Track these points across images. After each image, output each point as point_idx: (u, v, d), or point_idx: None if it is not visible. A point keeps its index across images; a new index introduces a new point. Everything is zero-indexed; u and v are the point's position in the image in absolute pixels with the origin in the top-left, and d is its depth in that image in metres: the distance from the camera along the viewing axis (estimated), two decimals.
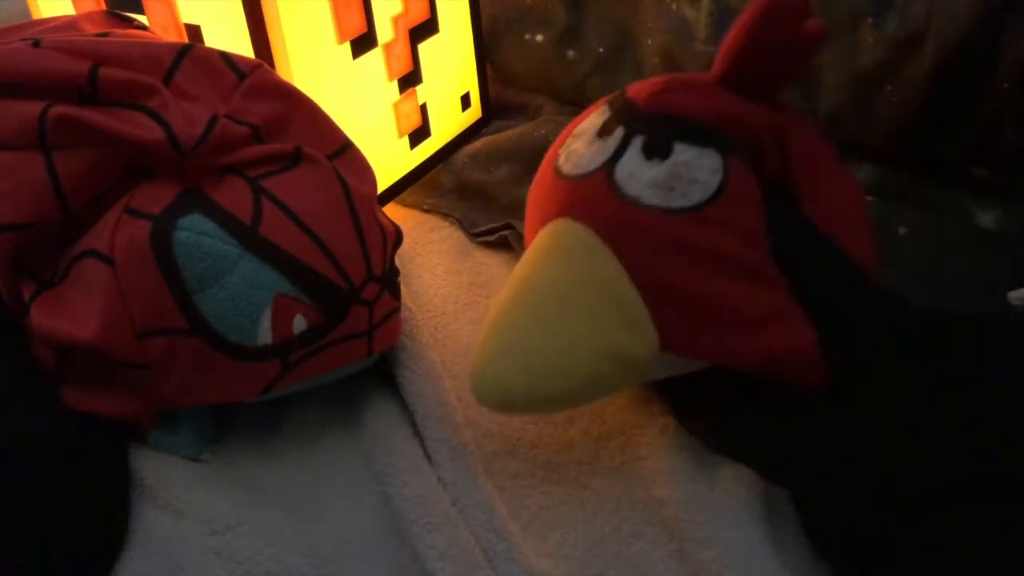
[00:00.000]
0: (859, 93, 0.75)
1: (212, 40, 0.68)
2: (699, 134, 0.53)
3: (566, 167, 0.56)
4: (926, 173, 0.77)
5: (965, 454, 0.46)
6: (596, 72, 0.91)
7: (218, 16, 0.67)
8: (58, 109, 0.51)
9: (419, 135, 0.84)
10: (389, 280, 0.59)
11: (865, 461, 0.49)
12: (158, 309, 0.52)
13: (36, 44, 0.54)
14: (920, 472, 0.47)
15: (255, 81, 0.56)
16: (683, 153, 0.53)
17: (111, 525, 0.52)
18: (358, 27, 0.73)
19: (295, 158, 0.55)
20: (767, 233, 0.53)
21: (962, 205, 0.74)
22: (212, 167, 0.53)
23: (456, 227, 0.82)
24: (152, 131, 0.52)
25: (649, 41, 0.87)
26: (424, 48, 0.82)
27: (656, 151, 0.53)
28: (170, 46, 0.56)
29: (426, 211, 0.84)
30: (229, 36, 0.67)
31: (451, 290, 0.74)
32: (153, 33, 0.66)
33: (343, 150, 0.60)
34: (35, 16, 0.77)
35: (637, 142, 0.54)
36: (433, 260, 0.78)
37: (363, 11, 0.73)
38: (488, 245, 0.80)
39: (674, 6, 0.84)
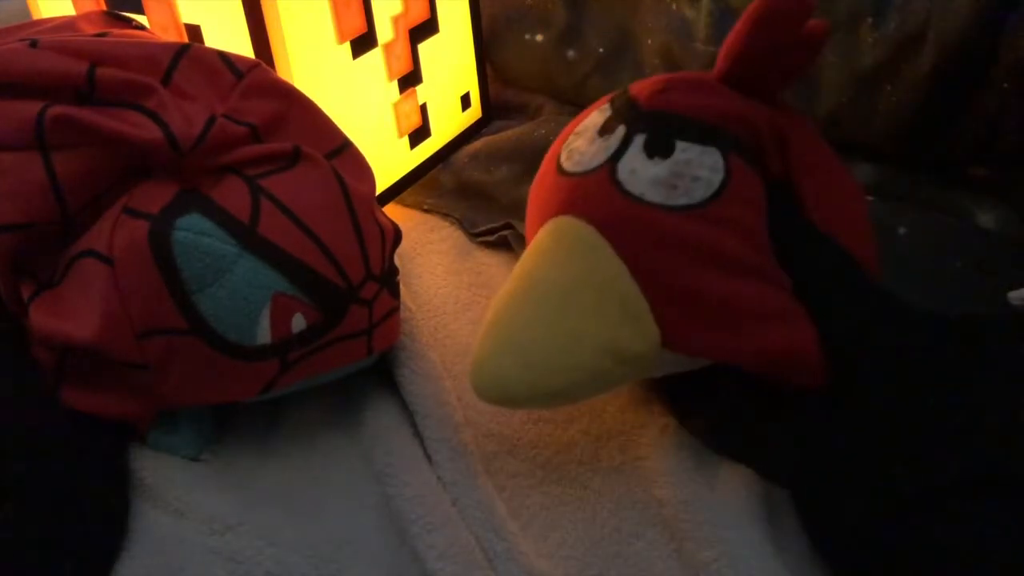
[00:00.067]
0: (859, 93, 0.75)
1: (212, 40, 0.68)
2: (701, 132, 0.53)
3: (568, 164, 0.57)
4: (926, 173, 0.77)
5: (965, 454, 0.46)
6: (596, 72, 0.91)
7: (218, 16, 0.67)
8: (56, 109, 0.51)
9: (419, 135, 0.84)
10: (388, 279, 0.59)
11: (865, 461, 0.49)
12: (157, 309, 0.52)
13: (34, 44, 0.54)
14: (920, 472, 0.47)
15: (253, 80, 0.56)
16: (685, 151, 0.53)
17: (111, 525, 0.52)
18: (358, 27, 0.73)
19: (293, 157, 0.55)
20: (769, 232, 0.54)
21: (962, 205, 0.74)
22: (210, 167, 0.53)
23: (456, 227, 0.82)
24: (150, 131, 0.52)
25: (649, 41, 0.87)
26: (424, 48, 0.82)
27: (658, 149, 0.53)
28: (168, 46, 0.56)
29: (426, 211, 0.84)
30: (229, 36, 0.67)
31: (451, 290, 0.74)
32: (151, 33, 0.66)
33: (341, 149, 0.60)
34: (35, 16, 0.77)
35: (639, 140, 0.54)
36: (433, 260, 0.78)
37: (363, 11, 0.73)
38: (488, 245, 0.80)
39: (674, 6, 0.84)
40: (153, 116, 0.52)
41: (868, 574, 0.47)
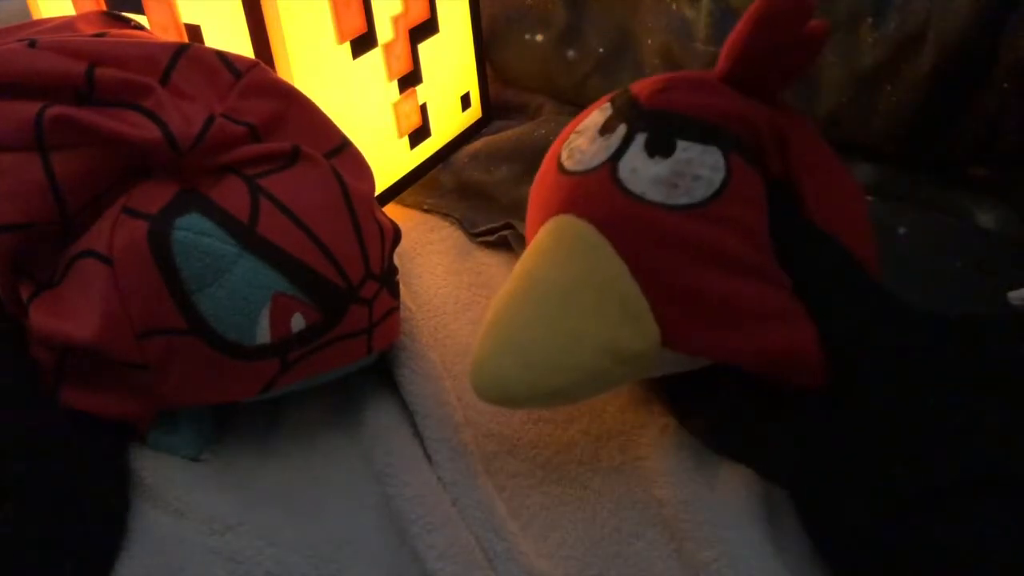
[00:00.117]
0: (859, 93, 0.75)
1: (212, 40, 0.68)
2: (702, 132, 0.53)
3: (569, 163, 0.57)
4: (926, 173, 0.77)
5: (965, 454, 0.46)
6: (596, 72, 0.91)
7: (218, 16, 0.67)
8: (55, 110, 0.51)
9: (419, 135, 0.84)
10: (388, 278, 0.59)
11: (865, 461, 0.49)
12: (157, 309, 0.52)
13: (32, 45, 0.54)
14: (920, 472, 0.47)
15: (252, 80, 0.56)
16: (686, 150, 0.53)
17: (111, 525, 0.52)
18: (358, 27, 0.73)
19: (292, 157, 0.55)
20: (770, 232, 0.54)
21: (962, 205, 0.74)
22: (209, 166, 0.53)
23: (456, 227, 0.82)
24: (149, 131, 0.52)
25: (649, 41, 0.87)
26: (424, 48, 0.82)
27: (659, 148, 0.53)
28: (166, 46, 0.56)
29: (426, 211, 0.84)
30: (229, 36, 0.67)
31: (451, 290, 0.74)
32: (150, 33, 0.66)
33: (341, 148, 0.60)
34: (35, 16, 0.77)
35: (640, 139, 0.54)
36: (433, 260, 0.78)
37: (363, 11, 0.73)
38: (488, 245, 0.80)
39: (674, 6, 0.84)
40: (152, 116, 0.52)
41: (868, 574, 0.47)
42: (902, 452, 0.48)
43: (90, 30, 0.61)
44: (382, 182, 0.81)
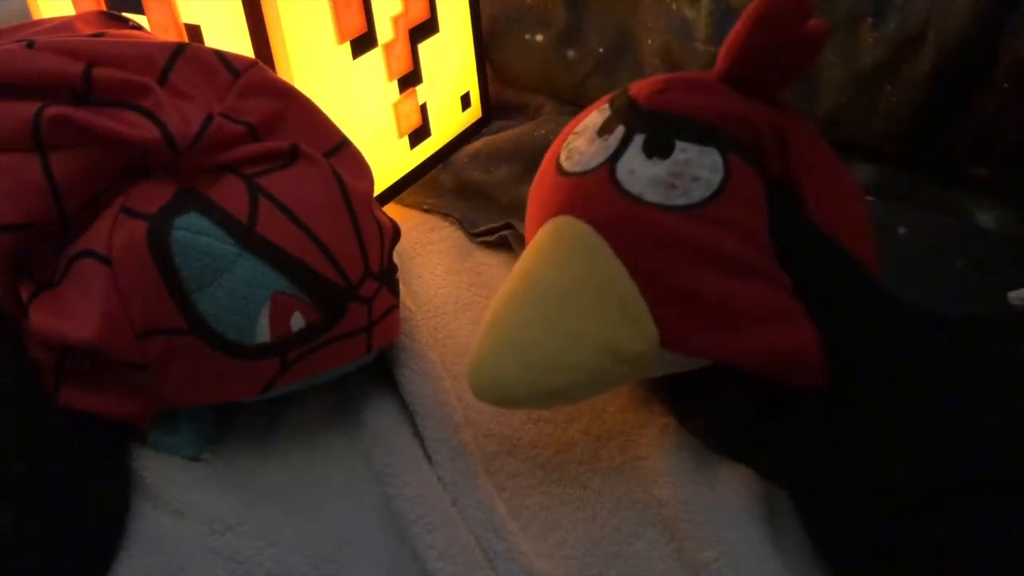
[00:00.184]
0: (859, 93, 0.75)
1: (212, 40, 0.68)
2: (700, 132, 0.53)
3: (567, 164, 0.57)
4: (926, 173, 0.77)
5: (965, 454, 0.46)
6: (596, 72, 0.91)
7: (218, 16, 0.67)
8: (53, 110, 0.51)
9: (419, 135, 0.84)
10: (387, 277, 0.59)
11: (865, 461, 0.49)
12: (156, 309, 0.51)
13: (30, 45, 0.54)
14: (920, 472, 0.47)
15: (250, 79, 0.56)
16: (684, 151, 0.53)
17: (111, 525, 0.52)
18: (358, 27, 0.73)
19: (291, 156, 0.55)
20: (769, 232, 0.53)
21: (962, 205, 0.74)
22: (208, 166, 0.53)
23: (456, 227, 0.82)
24: (147, 130, 0.52)
25: (649, 41, 0.87)
26: (424, 48, 0.82)
27: (657, 149, 0.53)
28: (164, 45, 0.56)
29: (426, 211, 0.84)
30: (229, 36, 0.67)
31: (451, 290, 0.74)
32: (148, 33, 0.66)
33: (340, 147, 0.60)
34: (35, 16, 0.77)
35: (638, 140, 0.54)
36: (433, 260, 0.78)
37: (363, 11, 0.73)
38: (488, 245, 0.80)
39: (674, 6, 0.84)
40: (150, 116, 0.52)
41: (868, 574, 0.47)
42: (902, 452, 0.48)
43: (88, 30, 0.61)
44: (382, 182, 0.81)
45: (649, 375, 0.59)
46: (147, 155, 0.53)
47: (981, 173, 0.76)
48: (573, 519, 0.55)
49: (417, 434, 0.59)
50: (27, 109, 0.51)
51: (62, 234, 0.54)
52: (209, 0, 0.66)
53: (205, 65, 0.56)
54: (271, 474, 0.58)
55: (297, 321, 0.53)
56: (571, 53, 0.92)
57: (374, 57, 0.76)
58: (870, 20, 0.73)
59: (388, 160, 0.82)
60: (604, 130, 0.56)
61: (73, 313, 0.53)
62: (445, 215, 0.84)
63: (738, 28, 0.54)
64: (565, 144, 0.59)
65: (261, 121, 0.55)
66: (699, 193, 0.52)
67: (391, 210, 0.83)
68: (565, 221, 0.54)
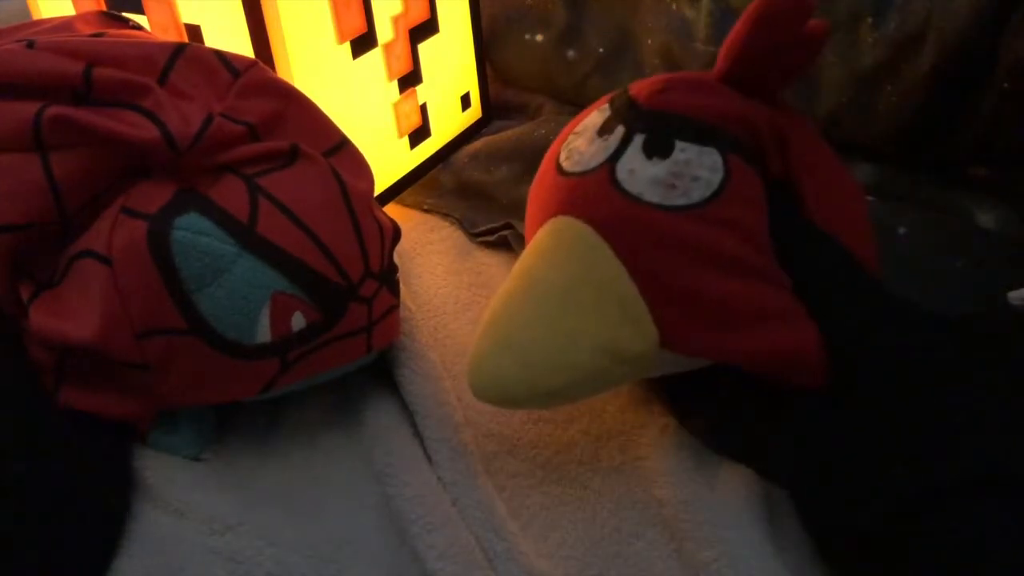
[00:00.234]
0: (859, 93, 0.75)
1: (212, 40, 0.68)
2: (700, 132, 0.53)
3: (567, 164, 0.57)
4: (926, 173, 0.77)
5: (965, 454, 0.46)
6: (596, 72, 0.91)
7: (218, 16, 0.67)
8: (53, 110, 0.51)
9: (419, 135, 0.84)
10: (387, 277, 0.59)
11: (865, 461, 0.49)
12: (156, 309, 0.51)
13: (30, 45, 0.54)
14: (920, 472, 0.47)
15: (250, 79, 0.56)
16: (684, 151, 0.53)
17: (111, 525, 0.52)
18: (358, 27, 0.73)
19: (291, 156, 0.55)
20: (769, 232, 0.53)
21: (962, 205, 0.74)
22: (208, 166, 0.53)
23: (456, 227, 0.82)
24: (147, 130, 0.52)
25: (649, 41, 0.87)
26: (424, 48, 0.82)
27: (657, 149, 0.53)
28: (164, 45, 0.56)
29: (426, 211, 0.84)
30: (229, 36, 0.67)
31: (451, 290, 0.74)
32: (148, 33, 0.66)
33: (340, 147, 0.60)
34: (35, 16, 0.77)
35: (638, 140, 0.54)
36: (433, 260, 0.78)
37: (363, 11, 0.73)
38: (488, 245, 0.80)
39: (674, 6, 0.84)
40: (150, 116, 0.52)
41: (868, 574, 0.47)
42: (902, 452, 0.48)
43: (88, 30, 0.61)
44: (382, 182, 0.81)
45: (649, 375, 0.59)
46: (147, 155, 0.53)
47: (981, 173, 0.76)
48: (573, 519, 0.55)
49: (417, 434, 0.59)
50: (27, 109, 0.51)
51: (62, 234, 0.54)
52: (209, 0, 0.66)
53: (205, 65, 0.56)
54: (271, 474, 0.58)
55: (298, 321, 0.53)
56: (571, 53, 0.92)
57: (374, 57, 0.76)
58: (870, 20, 0.73)
59: (388, 160, 0.82)
60: (604, 130, 0.56)
61: (73, 313, 0.53)
62: (445, 215, 0.84)
63: (738, 28, 0.54)
64: (565, 144, 0.59)
65: (261, 121, 0.55)
66: (699, 193, 0.52)
67: (391, 210, 0.83)
68: (565, 221, 0.54)
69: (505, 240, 0.78)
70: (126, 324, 0.52)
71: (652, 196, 0.52)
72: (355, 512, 0.55)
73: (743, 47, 0.54)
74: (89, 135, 0.52)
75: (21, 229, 0.53)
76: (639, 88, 0.57)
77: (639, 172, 0.53)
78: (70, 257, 0.54)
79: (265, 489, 0.57)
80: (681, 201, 0.52)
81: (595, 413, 0.61)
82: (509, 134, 0.87)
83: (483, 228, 0.80)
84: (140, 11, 0.69)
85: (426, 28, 0.81)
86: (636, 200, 0.52)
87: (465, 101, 0.90)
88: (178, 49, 0.56)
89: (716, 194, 0.52)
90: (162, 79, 0.55)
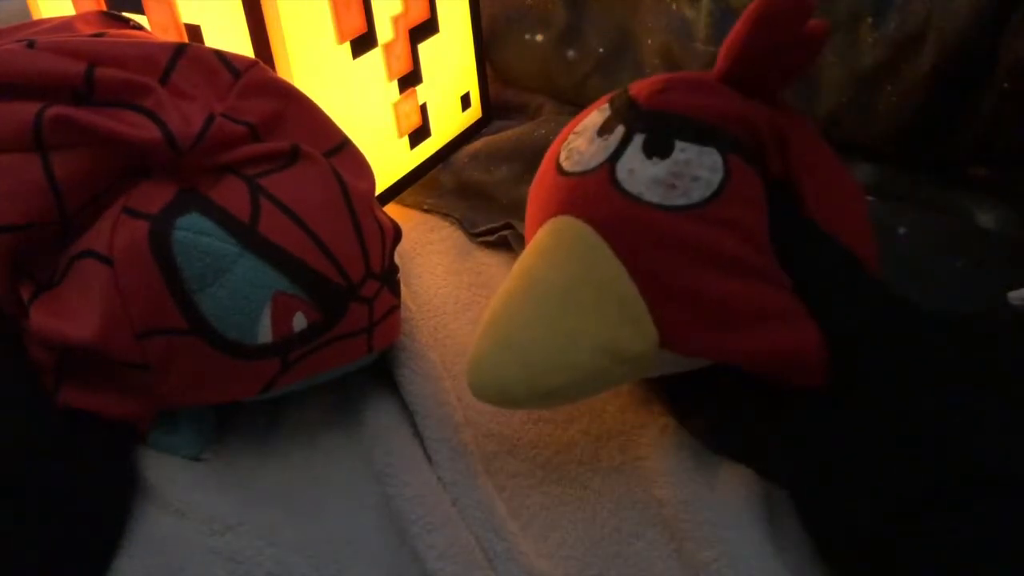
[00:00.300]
0: (859, 93, 0.75)
1: (212, 40, 0.68)
2: (700, 132, 0.53)
3: (567, 164, 0.57)
4: (926, 173, 0.77)
5: (965, 454, 0.46)
6: (596, 72, 0.91)
7: (218, 16, 0.67)
8: (54, 110, 0.51)
9: (419, 135, 0.84)
10: (388, 277, 0.59)
11: (865, 461, 0.49)
12: (157, 309, 0.52)
13: (31, 45, 0.54)
14: (920, 472, 0.47)
15: (251, 79, 0.56)
16: (684, 151, 0.53)
17: (111, 525, 0.52)
18: (358, 27, 0.73)
19: (292, 156, 0.55)
20: (769, 232, 0.53)
21: (962, 205, 0.74)
22: (209, 166, 0.53)
23: (456, 227, 0.82)
24: (149, 130, 0.52)
25: (649, 41, 0.87)
26: (424, 48, 0.82)
27: (657, 149, 0.53)
28: (165, 45, 0.56)
29: (426, 211, 0.84)
30: (229, 36, 0.67)
31: (451, 290, 0.74)
32: (149, 33, 0.66)
33: (340, 147, 0.60)
34: (35, 16, 0.77)
35: (638, 140, 0.54)
36: (433, 260, 0.78)
37: (363, 11, 0.73)
38: (488, 245, 0.80)
39: (674, 6, 0.84)
40: (151, 116, 0.52)
41: (868, 574, 0.47)
42: (902, 452, 0.48)
43: (89, 30, 0.61)
44: (382, 182, 0.81)
45: (649, 375, 0.59)
46: (148, 155, 0.53)
47: (981, 173, 0.76)
48: (573, 519, 0.55)
49: (417, 434, 0.59)
50: (28, 109, 0.51)
51: (62, 234, 0.54)
52: (209, 0, 0.66)
53: (206, 65, 0.56)
54: (271, 474, 0.58)
55: (299, 321, 0.53)
56: (571, 53, 0.92)
57: (374, 57, 0.76)
58: (870, 20, 0.73)
59: (388, 160, 0.82)
60: (604, 130, 0.56)
61: (73, 313, 0.53)
62: (445, 215, 0.84)
63: (738, 28, 0.54)
64: (565, 144, 0.59)
65: (262, 121, 0.55)
66: (699, 193, 0.52)
67: (391, 210, 0.83)
68: (565, 221, 0.54)
69: (505, 240, 0.78)
70: (126, 324, 0.52)
71: (652, 196, 0.52)
72: (355, 512, 0.55)
73: (743, 47, 0.54)
74: (90, 135, 0.52)
75: (21, 229, 0.53)
76: (639, 88, 0.57)
77: (639, 172, 0.53)
78: (70, 257, 0.54)
79: (265, 489, 0.57)
80: (681, 201, 0.52)
81: (595, 413, 0.61)
82: (509, 134, 0.87)
83: (483, 228, 0.80)
84: (140, 11, 0.69)
85: (426, 28, 0.81)
86: (636, 200, 0.52)
87: (465, 101, 0.90)
88: (179, 49, 0.56)
89: (716, 194, 0.52)
90: (163, 79, 0.55)
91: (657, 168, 0.53)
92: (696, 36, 0.83)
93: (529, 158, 0.81)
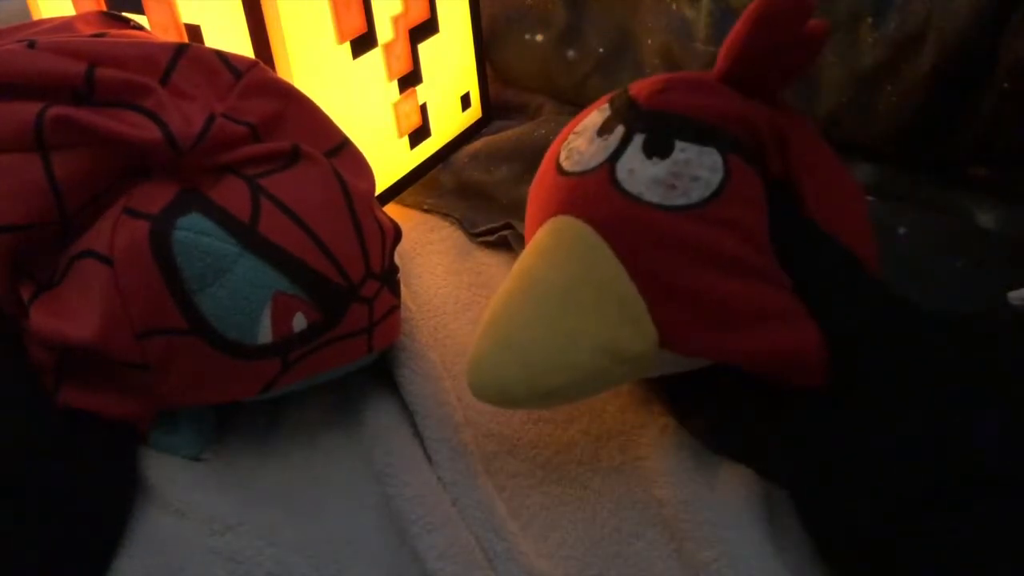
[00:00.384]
0: (859, 93, 0.75)
1: (212, 40, 0.68)
2: (700, 132, 0.53)
3: (567, 164, 0.57)
4: (926, 173, 0.77)
5: (965, 454, 0.46)
6: (596, 72, 0.91)
7: (218, 16, 0.67)
8: (55, 110, 0.51)
9: (419, 135, 0.84)
10: (388, 277, 0.59)
11: (865, 461, 0.49)
12: (157, 309, 0.52)
13: (31, 45, 0.54)
14: (920, 472, 0.47)
15: (251, 80, 0.56)
16: (684, 151, 0.53)
17: (111, 525, 0.52)
18: (358, 27, 0.73)
19: (293, 156, 0.55)
20: (769, 232, 0.53)
21: (962, 205, 0.74)
22: (210, 166, 0.53)
23: (456, 227, 0.82)
24: (149, 131, 0.52)
25: (649, 41, 0.87)
26: (424, 48, 0.82)
27: (656, 149, 0.53)
28: (166, 46, 0.56)
29: (426, 211, 0.84)
30: (229, 36, 0.67)
31: (451, 290, 0.74)
32: (149, 33, 0.66)
33: (341, 147, 0.60)
34: (35, 16, 0.77)
35: (638, 140, 0.54)
36: (433, 260, 0.78)
37: (363, 11, 0.73)
38: (488, 245, 0.80)
39: (674, 6, 0.84)
40: (152, 116, 0.52)
41: (868, 574, 0.47)
42: (902, 452, 0.48)
43: (89, 30, 0.61)
44: (382, 182, 0.81)
45: (649, 375, 0.59)
46: (149, 155, 0.53)
47: (981, 173, 0.76)
48: (573, 519, 0.55)
49: (417, 434, 0.59)
50: (29, 109, 0.52)
51: (62, 234, 0.54)
52: (209, 0, 0.66)
53: (206, 65, 0.56)
54: (271, 474, 0.58)
55: (299, 321, 0.53)
56: (571, 53, 0.92)
57: (374, 57, 0.76)
58: (870, 20, 0.73)
59: (388, 160, 0.82)
60: (604, 130, 0.56)
61: (73, 313, 0.53)
62: (445, 215, 0.84)
63: (738, 28, 0.54)
64: (565, 144, 0.59)
65: (262, 121, 0.55)
66: (699, 193, 0.52)
67: (391, 210, 0.83)
68: (565, 221, 0.54)
69: (505, 240, 0.78)
70: (126, 324, 0.52)
71: (652, 196, 0.52)
72: (355, 512, 0.55)
73: (743, 47, 0.54)
74: (91, 135, 0.52)
75: (22, 229, 0.53)
76: (639, 88, 0.57)
77: (639, 172, 0.53)
78: (71, 257, 0.54)
79: (265, 489, 0.57)
80: (681, 201, 0.52)
81: (595, 413, 0.61)
82: (509, 134, 0.87)
83: (483, 228, 0.80)
84: (140, 11, 0.69)
85: (426, 28, 0.81)
86: (636, 200, 0.52)
87: (465, 101, 0.90)
88: (180, 49, 0.56)
89: (716, 194, 0.52)
90: (164, 79, 0.55)
91: (657, 168, 0.53)
92: (696, 36, 0.83)
93: (529, 158, 0.81)
